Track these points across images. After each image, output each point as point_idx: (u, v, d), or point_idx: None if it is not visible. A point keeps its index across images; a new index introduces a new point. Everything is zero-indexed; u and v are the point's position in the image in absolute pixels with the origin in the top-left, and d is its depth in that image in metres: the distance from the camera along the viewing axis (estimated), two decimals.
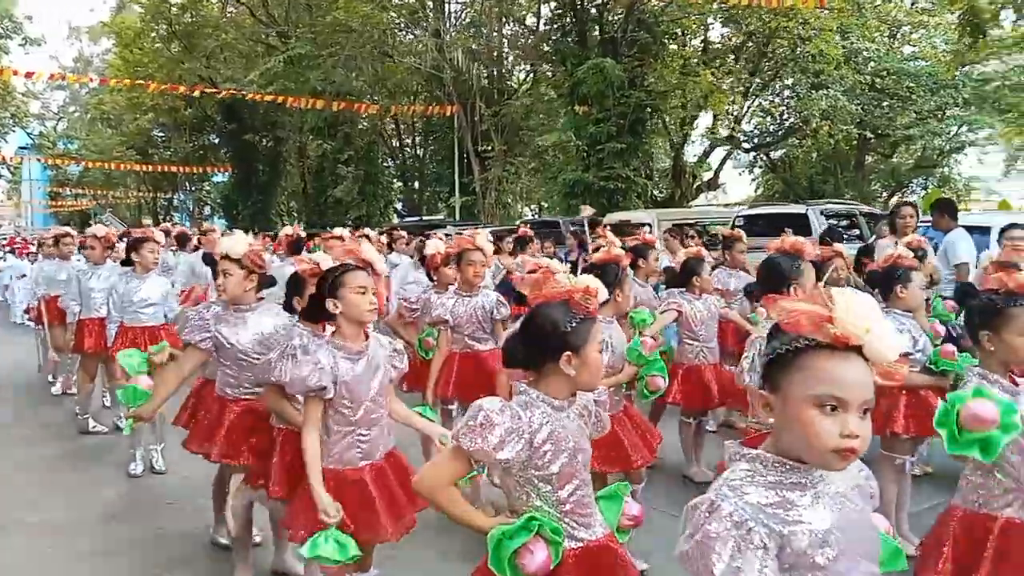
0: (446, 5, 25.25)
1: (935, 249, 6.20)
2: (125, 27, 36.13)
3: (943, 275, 5.90)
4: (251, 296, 3.44)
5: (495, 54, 25.44)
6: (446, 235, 8.93)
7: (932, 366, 3.65)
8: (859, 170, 29.07)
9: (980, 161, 30.10)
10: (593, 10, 20.33)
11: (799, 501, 1.36)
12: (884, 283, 3.78)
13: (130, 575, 3.88)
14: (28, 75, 17.96)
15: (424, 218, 22.77)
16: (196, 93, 23.78)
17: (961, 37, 18.23)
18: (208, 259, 4.12)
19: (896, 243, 5.18)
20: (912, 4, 25.17)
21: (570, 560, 1.90)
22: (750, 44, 23.05)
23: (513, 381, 2.03)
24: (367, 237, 8.81)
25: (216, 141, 38.02)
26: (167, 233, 8.66)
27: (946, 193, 28.52)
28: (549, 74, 23.54)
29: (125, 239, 7.29)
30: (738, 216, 11.29)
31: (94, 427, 6.37)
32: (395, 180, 32.80)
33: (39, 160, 39.97)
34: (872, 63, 23.58)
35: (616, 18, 19.77)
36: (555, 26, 21.67)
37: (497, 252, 7.28)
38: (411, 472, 2.93)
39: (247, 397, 3.48)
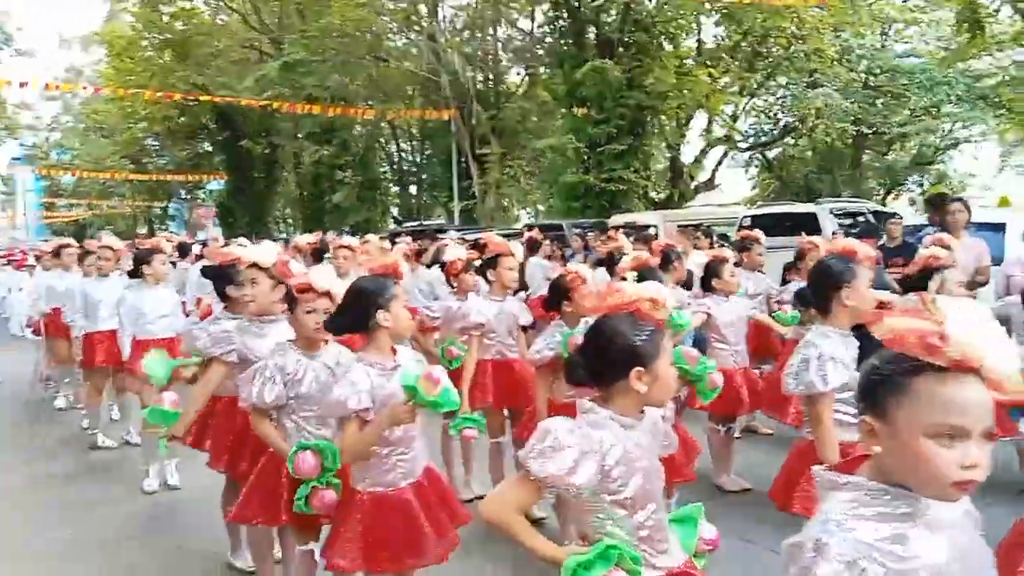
0: (439, 9, 25.19)
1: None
2: (116, 36, 35.99)
3: None
4: (278, 307, 3.31)
5: (490, 58, 25.38)
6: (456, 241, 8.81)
7: None
8: (856, 168, 29.11)
9: (975, 158, 30.16)
10: (588, 12, 20.28)
11: (910, 533, 1.24)
12: (918, 284, 3.70)
13: None
14: (23, 84, 17.86)
15: (424, 223, 22.65)
16: (191, 100, 23.60)
17: (959, 33, 18.19)
18: (208, 272, 3.97)
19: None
20: (904, 0, 25.18)
21: None
22: (744, 44, 23.04)
23: (578, 398, 1.89)
24: (350, 247, 8.69)
25: (210, 149, 37.89)
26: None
27: (942, 190, 28.69)
28: (546, 77, 23.47)
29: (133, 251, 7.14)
30: (746, 216, 11.21)
31: (104, 442, 6.24)
32: (391, 185, 32.72)
33: (33, 171, 39.74)
34: (865, 61, 23.63)
35: (612, 19, 19.71)
36: (551, 28, 21.60)
37: None
38: (445, 484, 2.85)
39: None
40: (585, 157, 19.05)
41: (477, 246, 5.92)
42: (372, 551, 2.53)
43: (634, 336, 1.81)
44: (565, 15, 20.31)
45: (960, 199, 6.43)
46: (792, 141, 27.90)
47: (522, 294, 6.37)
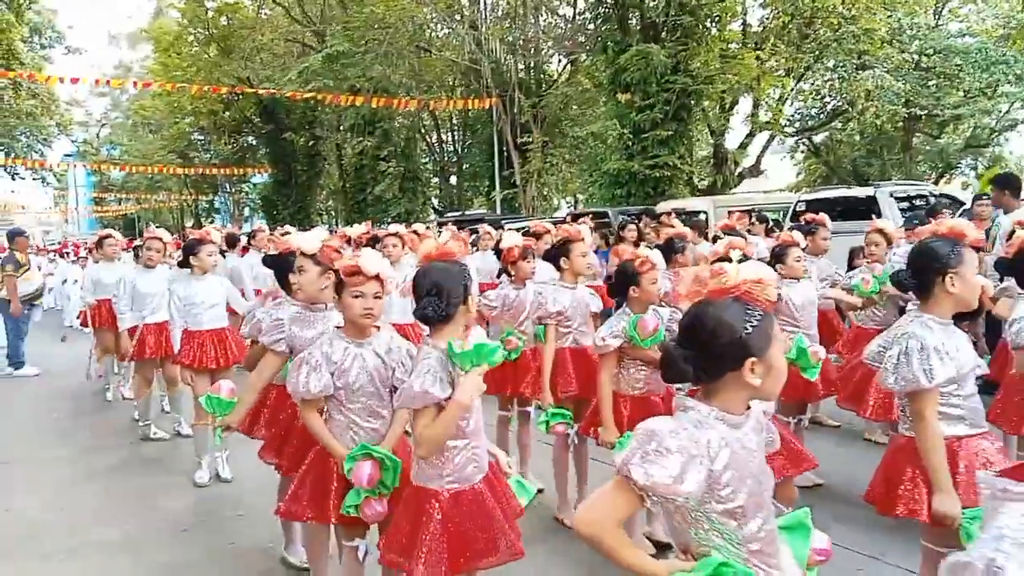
0: None
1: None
2: (163, 32, 36.63)
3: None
4: (328, 295, 3.18)
5: (531, 46, 25.11)
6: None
7: None
8: (906, 152, 28.30)
9: (1020, 135, 29.06)
10: None
11: None
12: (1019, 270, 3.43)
13: None
14: (74, 80, 18.18)
15: (467, 213, 22.56)
16: (236, 93, 23.83)
17: None
18: (268, 262, 3.87)
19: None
20: None
21: None
22: (791, 25, 22.40)
23: (678, 396, 1.70)
24: (416, 233, 8.62)
25: (255, 143, 38.37)
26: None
27: (983, 174, 27.68)
28: (589, 63, 23.10)
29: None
30: (800, 201, 10.81)
31: (155, 434, 6.24)
32: (432, 176, 32.72)
33: (84, 166, 40.68)
34: (917, 41, 22.81)
35: (657, 2, 19.29)
36: (594, 13, 21.21)
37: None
38: (501, 475, 2.73)
39: None
40: (629, 143, 18.69)
41: (526, 235, 5.78)
42: (456, 553, 2.38)
43: (744, 323, 1.60)
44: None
45: None
46: (840, 125, 27.14)
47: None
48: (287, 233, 5.22)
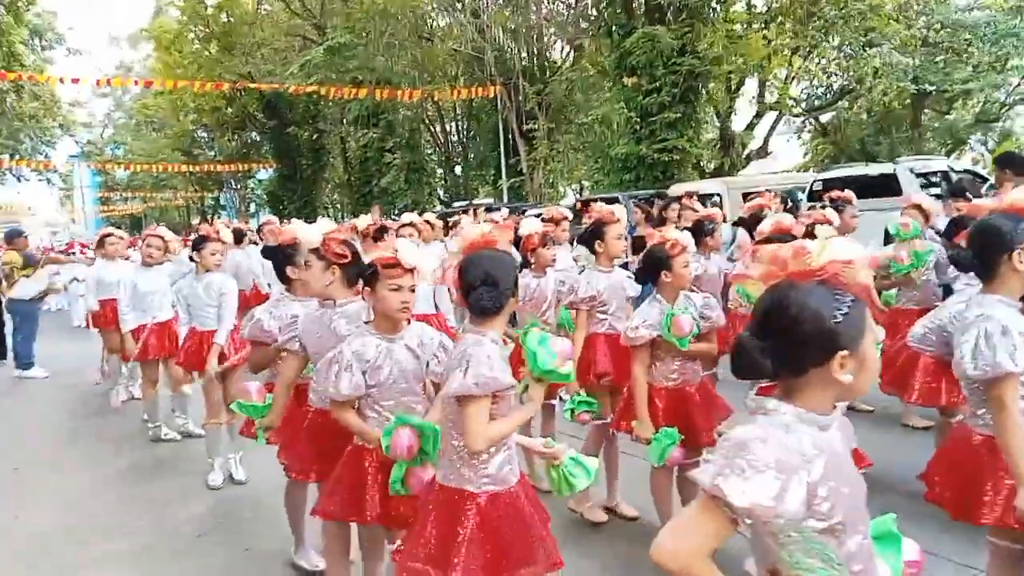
0: None
1: None
2: (163, 31, 36.48)
3: None
4: (337, 290, 3.02)
5: (534, 33, 24.82)
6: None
7: None
8: (915, 128, 27.98)
9: None
10: None
11: None
12: None
13: None
14: (75, 81, 18.06)
15: (474, 202, 22.32)
16: (239, 89, 23.65)
17: None
18: (268, 252, 3.70)
19: None
20: None
21: None
22: (797, 4, 22.04)
23: (751, 396, 1.49)
24: (429, 223, 8.45)
25: (258, 139, 38.27)
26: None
27: (1010, 148, 27.40)
28: (593, 48, 22.79)
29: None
30: (817, 180, 10.56)
31: (166, 435, 6.09)
32: (436, 167, 32.52)
33: (89, 166, 40.63)
34: (924, 17, 22.46)
35: None
36: None
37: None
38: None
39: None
40: (637, 127, 18.43)
41: (544, 221, 5.60)
42: (494, 561, 2.20)
43: (834, 310, 1.38)
44: None
45: None
46: (847, 104, 26.83)
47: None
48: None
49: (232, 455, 5.02)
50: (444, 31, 26.03)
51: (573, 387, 3.86)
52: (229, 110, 35.74)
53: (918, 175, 9.55)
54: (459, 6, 24.50)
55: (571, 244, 6.46)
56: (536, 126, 22.95)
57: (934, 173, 9.83)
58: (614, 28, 19.13)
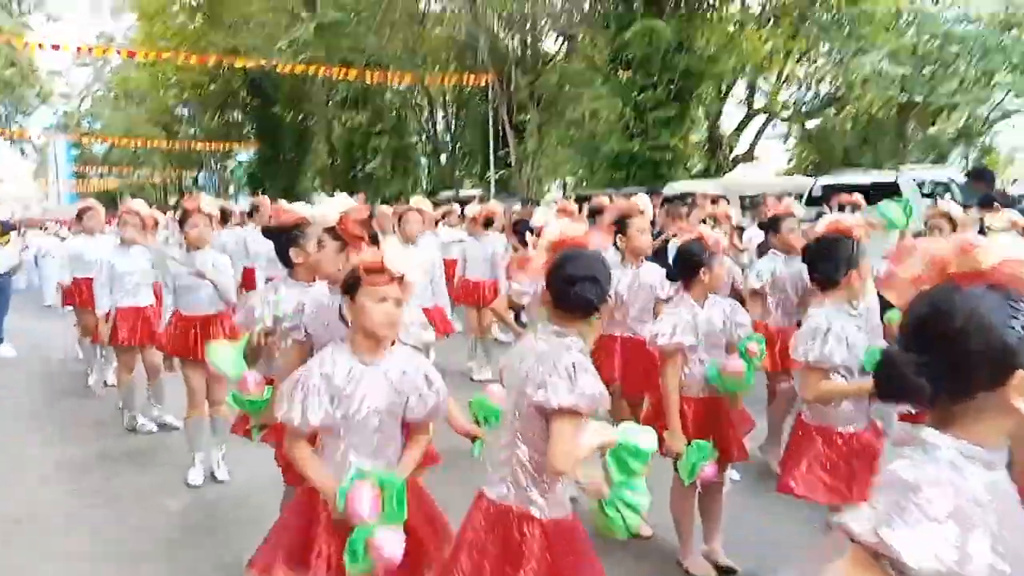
0: None
1: None
2: (147, 1, 35.58)
3: None
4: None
5: (529, 22, 24.51)
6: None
7: None
8: (899, 139, 28.17)
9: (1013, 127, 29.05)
10: None
11: None
12: None
13: None
14: (55, 47, 17.39)
15: (461, 192, 22.06)
16: (224, 63, 23.01)
17: None
18: (269, 232, 3.35)
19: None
20: None
21: None
22: (794, 7, 21.98)
23: (898, 426, 1.22)
24: (420, 211, 8.18)
25: (240, 118, 37.55)
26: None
27: (983, 163, 27.67)
28: (589, 39, 22.53)
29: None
30: (818, 186, 10.44)
31: (142, 425, 5.72)
32: (421, 156, 32.09)
33: (65, 138, 39.65)
34: (913, 27, 22.52)
35: None
36: None
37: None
38: None
39: None
40: (630, 123, 18.24)
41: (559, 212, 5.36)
42: None
43: (1010, 321, 1.12)
44: None
45: None
46: (835, 111, 26.91)
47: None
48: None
49: (215, 451, 4.68)
50: (437, 15, 25.58)
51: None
52: (212, 87, 34.97)
53: (919, 184, 9.45)
54: None
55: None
56: (527, 118, 22.67)
57: (939, 183, 9.73)
58: (611, 21, 18.91)
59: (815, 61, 25.07)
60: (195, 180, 44.99)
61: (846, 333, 2.70)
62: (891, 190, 9.16)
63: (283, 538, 2.32)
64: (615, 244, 3.82)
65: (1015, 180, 22.99)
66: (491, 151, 23.99)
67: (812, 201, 9.54)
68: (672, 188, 11.88)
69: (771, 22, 22.14)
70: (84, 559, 3.74)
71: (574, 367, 1.96)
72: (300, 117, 32.44)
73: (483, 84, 23.13)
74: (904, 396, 1.18)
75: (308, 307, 2.80)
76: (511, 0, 23.50)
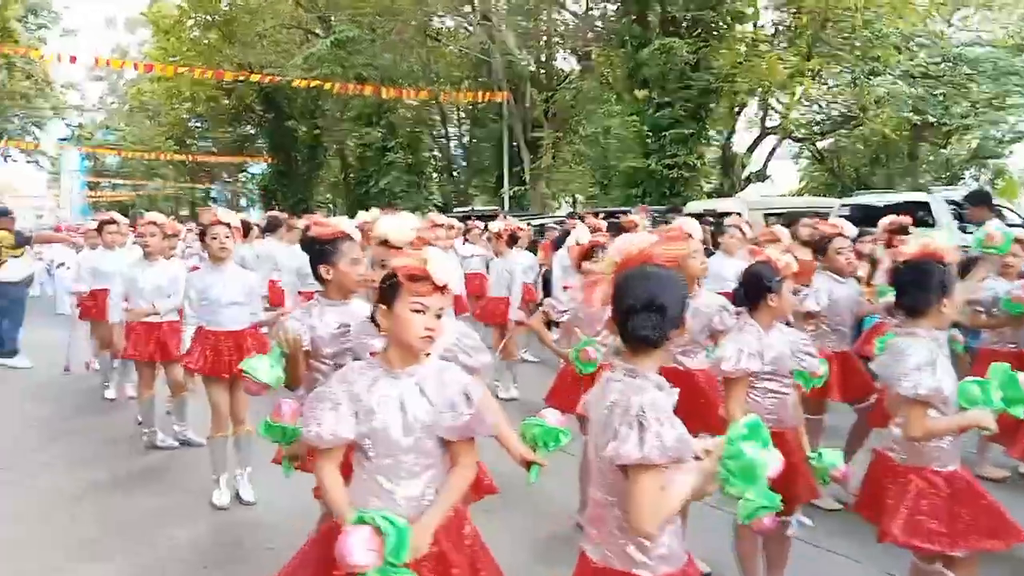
0: None
1: None
2: (162, 16, 35.88)
3: None
4: None
5: (545, 39, 24.58)
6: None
7: None
8: (912, 160, 28.11)
9: None
10: None
11: None
12: None
13: None
14: (72, 60, 17.47)
15: (476, 208, 21.97)
16: (240, 79, 23.06)
17: None
18: (307, 244, 3.09)
19: None
20: None
21: None
22: (807, 27, 21.97)
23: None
24: (451, 227, 8.08)
25: (254, 132, 37.71)
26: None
27: (998, 186, 27.55)
28: (603, 59, 22.51)
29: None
30: (843, 206, 10.27)
31: (163, 441, 5.57)
32: (433, 172, 32.11)
33: (79, 151, 39.86)
34: (926, 49, 22.50)
35: None
36: (615, 6, 20.66)
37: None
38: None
39: None
40: (647, 141, 18.16)
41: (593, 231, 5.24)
42: None
43: None
44: None
45: None
46: (847, 132, 26.88)
47: None
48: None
49: (240, 471, 4.52)
50: (452, 32, 25.68)
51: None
52: (226, 101, 35.15)
53: (951, 204, 9.25)
54: (468, 9, 24.20)
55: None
56: (542, 135, 22.65)
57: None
58: (628, 39, 18.89)
59: (826, 82, 25.09)
60: (207, 193, 45.17)
61: (946, 364, 2.55)
62: (922, 210, 9.04)
63: (299, 573, 2.16)
64: None
65: None
66: (505, 167, 23.96)
67: None
68: (691, 207, 11.75)
69: (785, 43, 22.18)
70: None
71: (644, 413, 1.76)
72: (314, 131, 32.55)
73: (498, 101, 23.16)
74: None
75: (353, 328, 2.61)
76: (526, 18, 23.62)
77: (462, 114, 31.11)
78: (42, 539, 4.10)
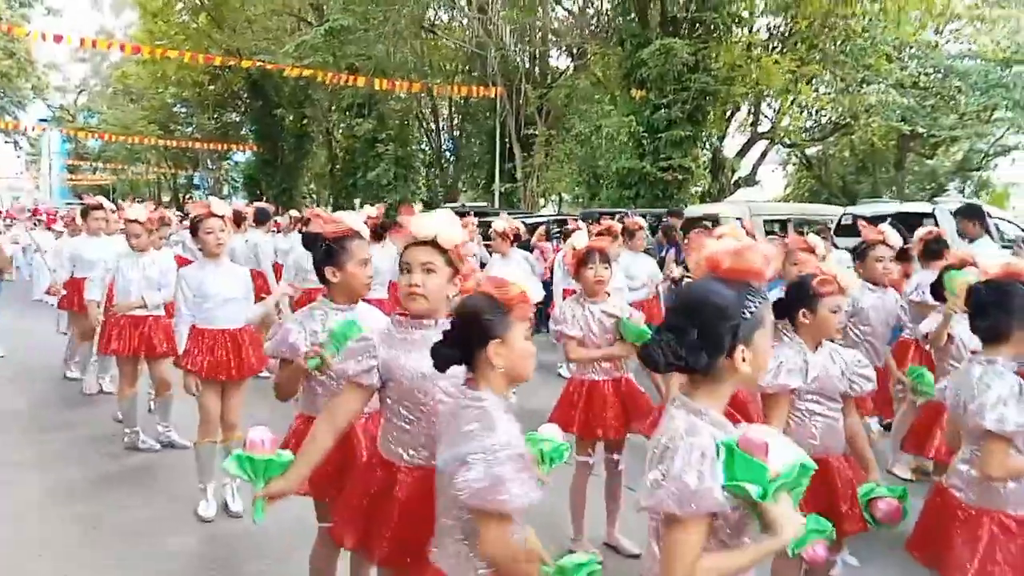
0: None
1: None
2: None
3: None
4: (444, 307, 2.25)
5: (541, 35, 24.32)
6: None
7: None
8: (898, 170, 28.28)
9: (1013, 162, 29.30)
10: None
11: None
12: None
13: None
14: (57, 39, 16.92)
15: (467, 204, 21.69)
16: (229, 64, 22.58)
17: None
18: (309, 241, 2.79)
19: None
20: None
21: None
22: (804, 33, 21.90)
23: None
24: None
25: (239, 120, 37.19)
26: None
27: (983, 197, 27.75)
28: (602, 56, 22.29)
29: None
30: (846, 214, 10.12)
31: (144, 443, 5.23)
32: (421, 166, 31.78)
33: (60, 132, 39.11)
34: (917, 59, 22.58)
35: None
36: (615, 3, 20.44)
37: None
38: None
39: (422, 464, 2.19)
40: (643, 142, 17.96)
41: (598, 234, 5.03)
42: None
43: None
44: None
45: None
46: (834, 140, 26.99)
47: None
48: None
49: (227, 479, 4.20)
50: (446, 25, 25.37)
51: None
52: (212, 87, 34.60)
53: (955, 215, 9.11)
54: (464, 2, 23.91)
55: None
56: (535, 132, 22.42)
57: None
58: (627, 38, 18.69)
59: (816, 89, 25.09)
60: (190, 179, 44.54)
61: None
62: (926, 223, 8.87)
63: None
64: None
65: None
66: (497, 163, 23.71)
67: (842, 230, 9.25)
68: (692, 210, 11.57)
69: (778, 48, 22.10)
70: None
71: (674, 452, 1.51)
72: (302, 121, 32.11)
73: (491, 96, 22.89)
74: None
75: (378, 341, 2.22)
76: (523, 13, 23.32)
77: (453, 109, 30.83)
78: (16, 548, 3.78)
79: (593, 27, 21.98)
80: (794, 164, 32.83)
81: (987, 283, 2.46)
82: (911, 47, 22.47)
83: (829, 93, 24.63)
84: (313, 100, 30.14)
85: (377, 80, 20.75)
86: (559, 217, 15.51)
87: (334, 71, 21.42)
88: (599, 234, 5.37)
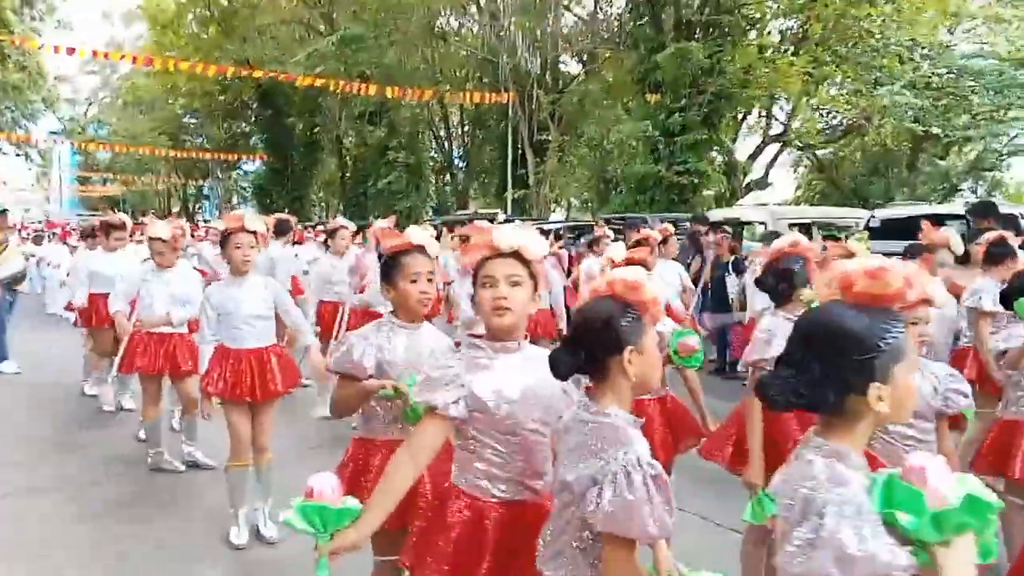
0: None
1: None
2: (159, 10, 35.37)
3: None
4: (524, 325, 2.06)
5: (552, 41, 24.23)
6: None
7: None
8: (911, 171, 28.05)
9: None
10: None
11: None
12: None
13: None
14: (70, 51, 16.88)
15: (479, 211, 21.52)
16: (240, 74, 22.52)
17: None
18: (380, 260, 2.70)
19: None
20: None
21: None
22: (819, 35, 21.73)
23: None
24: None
25: (248, 130, 37.24)
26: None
27: (994, 196, 27.46)
28: (616, 60, 22.13)
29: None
30: (873, 217, 9.89)
31: (169, 463, 5.08)
32: (431, 174, 31.70)
33: (71, 144, 39.25)
34: (929, 60, 22.37)
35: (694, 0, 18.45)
36: (628, 8, 20.31)
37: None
38: None
39: (512, 498, 1.98)
40: (659, 146, 17.78)
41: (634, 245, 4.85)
42: None
43: None
44: None
45: None
46: (847, 141, 26.81)
47: None
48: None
49: (259, 504, 4.02)
50: (457, 32, 25.32)
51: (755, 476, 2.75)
52: (221, 97, 34.65)
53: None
54: (474, 9, 23.84)
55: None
56: (548, 137, 22.29)
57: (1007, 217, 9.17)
58: (641, 42, 18.54)
59: (828, 91, 24.91)
60: (199, 189, 44.59)
61: None
62: (947, 222, 8.68)
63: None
64: (776, 292, 3.03)
65: None
66: (509, 169, 23.59)
67: (870, 233, 9.04)
68: (714, 215, 11.38)
69: (792, 50, 21.93)
70: None
71: (848, 515, 1.30)
72: (312, 130, 32.10)
73: (503, 102, 22.77)
74: None
75: (464, 366, 1.99)
76: (534, 19, 23.22)
77: (465, 115, 30.77)
78: (20, 572, 3.60)
79: (604, 33, 21.87)
80: (805, 166, 32.66)
81: None
82: (924, 48, 22.26)
83: (843, 95, 24.47)
84: (323, 109, 30.14)
85: (388, 88, 20.66)
86: (573, 224, 15.30)
87: (345, 80, 21.35)
88: (635, 244, 5.18)
